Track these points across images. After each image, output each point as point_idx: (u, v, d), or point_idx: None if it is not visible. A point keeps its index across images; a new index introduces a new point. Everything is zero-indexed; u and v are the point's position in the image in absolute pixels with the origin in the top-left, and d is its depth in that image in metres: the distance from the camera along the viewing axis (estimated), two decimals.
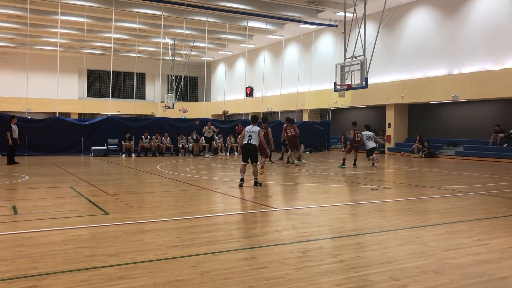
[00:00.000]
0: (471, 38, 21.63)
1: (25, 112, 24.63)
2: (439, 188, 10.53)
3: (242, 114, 31.30)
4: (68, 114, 33.20)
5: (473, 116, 22.86)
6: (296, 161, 16.84)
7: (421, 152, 23.08)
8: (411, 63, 24.65)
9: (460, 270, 4.30)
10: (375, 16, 24.95)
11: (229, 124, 25.44)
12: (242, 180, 10.38)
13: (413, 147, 23.72)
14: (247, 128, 10.58)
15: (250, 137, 10.42)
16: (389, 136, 26.09)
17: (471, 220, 6.74)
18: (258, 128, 10.57)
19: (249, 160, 10.44)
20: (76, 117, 31.69)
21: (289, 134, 16.21)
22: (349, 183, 11.66)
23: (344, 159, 16.11)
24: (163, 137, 22.46)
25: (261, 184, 10.48)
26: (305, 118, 31.11)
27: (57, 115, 22.95)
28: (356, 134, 16.01)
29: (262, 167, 13.28)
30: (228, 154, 23.24)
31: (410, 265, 4.43)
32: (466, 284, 3.92)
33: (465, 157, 21.54)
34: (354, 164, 16.03)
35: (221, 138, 23.66)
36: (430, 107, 24.83)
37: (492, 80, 20.25)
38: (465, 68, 21.92)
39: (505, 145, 20.32)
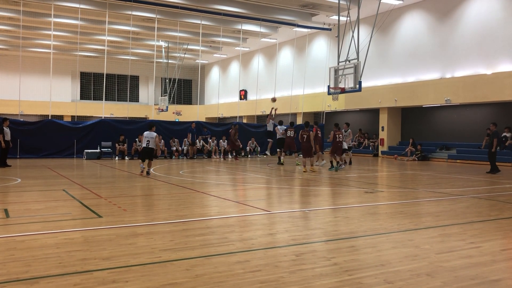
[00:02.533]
0: (464, 42, 21.80)
1: (17, 115, 24.43)
2: (432, 191, 10.58)
3: (236, 117, 31.30)
4: (61, 117, 32.96)
5: (465, 119, 23.01)
6: (298, 162, 17.45)
7: (414, 155, 23.19)
8: (404, 66, 24.79)
9: (453, 273, 4.32)
10: (369, 20, 25.09)
11: (223, 127, 25.41)
12: (145, 171, 13.21)
13: (406, 150, 23.83)
14: (145, 133, 12.82)
15: (148, 142, 12.64)
16: (382, 139, 26.20)
17: (463, 223, 6.78)
18: (155, 133, 12.79)
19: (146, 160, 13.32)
20: (69, 119, 31.53)
21: None
22: (342, 186, 11.68)
23: (331, 161, 16.28)
24: None
25: (149, 174, 13.03)
26: (299, 121, 31.15)
27: (50, 118, 22.81)
28: (337, 136, 15.96)
29: (312, 165, 15.29)
30: (221, 157, 23.19)
31: (403, 268, 4.45)
32: (459, 287, 3.95)
33: (458, 160, 21.67)
34: (333, 166, 16.14)
35: (215, 141, 23.62)
36: (423, 111, 24.98)
37: (484, 84, 20.41)
38: (457, 72, 22.07)
39: (497, 148, 20.38)
